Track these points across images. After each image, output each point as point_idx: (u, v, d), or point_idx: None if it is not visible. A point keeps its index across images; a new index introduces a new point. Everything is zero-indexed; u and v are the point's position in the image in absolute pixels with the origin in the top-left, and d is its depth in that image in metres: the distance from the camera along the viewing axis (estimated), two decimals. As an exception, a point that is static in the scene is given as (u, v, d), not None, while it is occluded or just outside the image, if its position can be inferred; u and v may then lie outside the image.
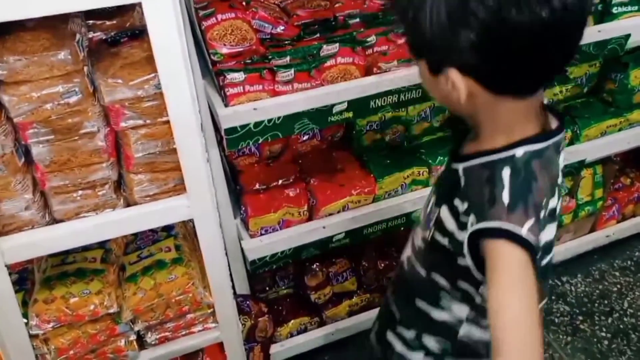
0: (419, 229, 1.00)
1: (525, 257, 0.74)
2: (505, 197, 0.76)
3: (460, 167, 0.86)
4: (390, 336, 1.10)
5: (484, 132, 0.84)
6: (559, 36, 0.72)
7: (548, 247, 0.87)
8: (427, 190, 1.62)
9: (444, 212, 0.88)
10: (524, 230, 0.74)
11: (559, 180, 0.86)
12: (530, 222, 0.75)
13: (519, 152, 0.79)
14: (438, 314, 0.98)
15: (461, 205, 0.83)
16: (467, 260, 0.84)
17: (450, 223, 0.86)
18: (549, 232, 0.85)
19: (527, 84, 0.78)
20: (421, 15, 0.73)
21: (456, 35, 0.71)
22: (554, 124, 0.86)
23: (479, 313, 0.93)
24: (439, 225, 0.89)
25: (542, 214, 0.78)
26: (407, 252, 1.05)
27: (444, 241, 0.89)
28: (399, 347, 1.09)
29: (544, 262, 0.89)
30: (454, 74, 0.76)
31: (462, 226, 0.83)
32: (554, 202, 0.84)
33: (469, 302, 0.93)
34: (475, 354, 0.99)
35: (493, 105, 0.79)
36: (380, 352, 1.16)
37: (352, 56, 1.34)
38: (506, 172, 0.78)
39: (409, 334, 1.06)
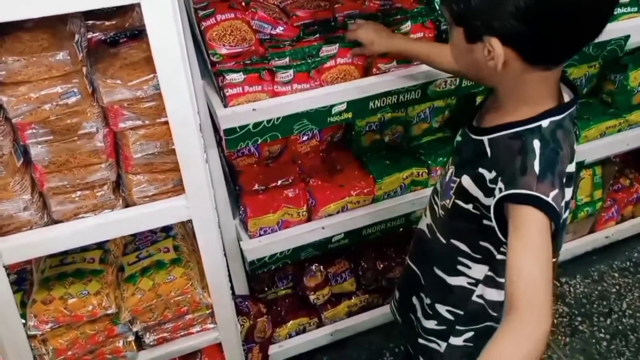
0: (437, 199, 1.07)
1: (547, 222, 0.80)
2: (536, 166, 0.82)
3: (485, 138, 0.91)
4: (415, 300, 1.18)
5: (508, 103, 0.90)
6: (596, 6, 0.79)
7: (565, 206, 0.93)
8: (427, 191, 1.63)
9: (466, 181, 0.94)
10: (550, 198, 0.80)
11: (575, 146, 0.93)
12: (555, 191, 0.81)
13: (545, 122, 0.85)
14: (453, 280, 1.06)
15: (488, 174, 0.89)
16: (492, 222, 0.89)
17: (474, 190, 0.93)
18: (567, 194, 0.91)
19: (563, 53, 0.84)
20: None
21: (504, 3, 0.76)
22: (567, 95, 0.92)
23: (497, 272, 1.01)
24: (462, 193, 0.96)
25: (563, 181, 0.85)
26: (427, 220, 1.11)
27: (468, 206, 0.95)
28: (419, 312, 1.17)
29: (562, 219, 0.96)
30: (495, 42, 0.80)
31: (489, 193, 0.89)
32: (572, 167, 0.91)
33: (489, 261, 1.00)
34: (487, 315, 1.06)
35: (523, 76, 0.85)
36: (404, 318, 1.24)
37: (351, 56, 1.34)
38: (536, 143, 0.84)
39: (427, 300, 1.13)
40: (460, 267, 1.05)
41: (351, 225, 1.59)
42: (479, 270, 1.03)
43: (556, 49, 0.82)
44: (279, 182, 1.57)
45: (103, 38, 1.14)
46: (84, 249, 1.34)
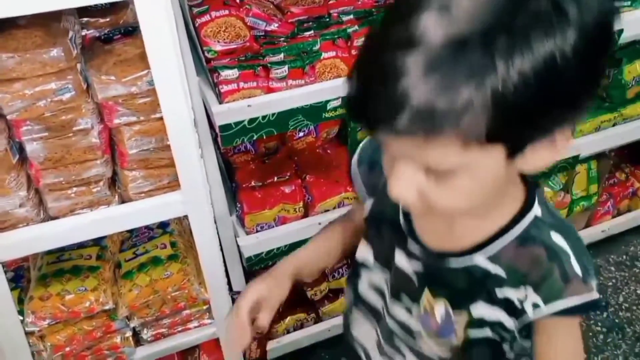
0: (418, 341, 0.81)
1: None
2: (575, 266, 0.68)
3: (480, 258, 0.72)
4: None
5: (486, 208, 0.69)
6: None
7: None
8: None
9: (480, 310, 0.74)
10: (596, 293, 0.69)
11: None
12: (595, 280, 0.69)
13: (536, 208, 0.71)
14: None
15: (515, 293, 0.71)
16: (518, 342, 0.75)
17: (493, 315, 0.73)
18: None
19: None
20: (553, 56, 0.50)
21: (597, 66, 0.55)
22: None
23: None
24: (475, 323, 0.75)
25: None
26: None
27: (485, 332, 0.75)
28: None
29: None
30: (567, 132, 0.58)
31: (516, 313, 0.72)
32: None
33: None
34: None
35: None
36: None
37: (335, 49, 1.34)
38: (557, 237, 0.69)
39: None
40: None
41: (347, 220, 1.60)
42: None
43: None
44: (276, 178, 1.58)
45: (97, 35, 1.14)
46: (81, 246, 1.35)
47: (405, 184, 0.60)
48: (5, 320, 1.21)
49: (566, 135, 0.58)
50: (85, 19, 1.14)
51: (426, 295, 0.77)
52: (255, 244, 1.52)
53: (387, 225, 0.81)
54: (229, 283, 1.53)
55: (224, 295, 1.41)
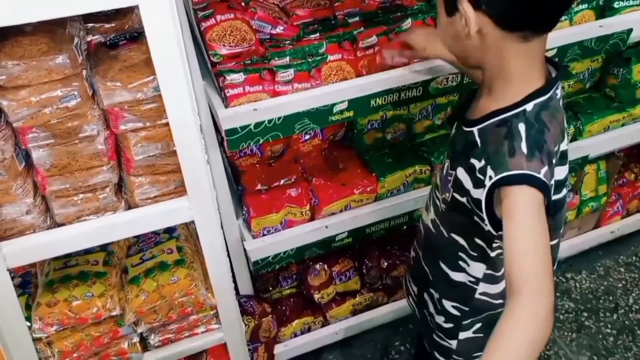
0: (437, 193, 1.08)
1: (540, 197, 0.81)
2: (524, 147, 0.83)
3: (475, 129, 0.92)
4: (426, 296, 1.20)
5: (495, 86, 0.91)
6: None
7: (561, 184, 0.97)
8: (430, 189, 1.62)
9: (461, 173, 0.95)
10: (541, 175, 0.81)
11: (564, 124, 0.94)
12: (545, 168, 0.82)
13: (529, 106, 0.87)
14: (456, 276, 1.07)
15: (478, 163, 0.89)
16: (483, 215, 0.90)
17: (467, 182, 0.93)
18: (560, 172, 0.94)
19: (536, 15, 0.83)
20: None
21: None
22: (552, 73, 0.92)
23: (496, 269, 1.03)
24: (457, 186, 0.96)
25: (554, 160, 0.86)
26: (431, 215, 1.12)
27: (463, 199, 0.96)
28: (431, 307, 1.19)
29: (558, 196, 0.98)
30: (466, 6, 0.82)
31: (478, 183, 0.90)
32: (564, 145, 0.93)
33: (485, 259, 1.01)
34: (493, 306, 1.08)
35: (503, 47, 0.85)
36: (420, 313, 1.25)
37: (341, 52, 1.33)
38: (522, 127, 0.85)
39: (436, 296, 1.15)
40: (461, 263, 1.06)
41: (354, 223, 1.59)
42: (478, 269, 1.04)
43: (527, 9, 0.81)
44: (282, 181, 1.57)
45: (102, 41, 1.13)
46: (88, 251, 1.34)
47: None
48: (13, 327, 1.21)
49: (465, 6, 0.82)
50: (91, 24, 1.13)
51: (446, 153, 1.06)
52: (261, 247, 1.52)
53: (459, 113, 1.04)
54: (235, 287, 1.53)
55: (231, 299, 1.40)
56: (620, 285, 2.10)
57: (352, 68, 1.37)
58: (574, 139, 1.81)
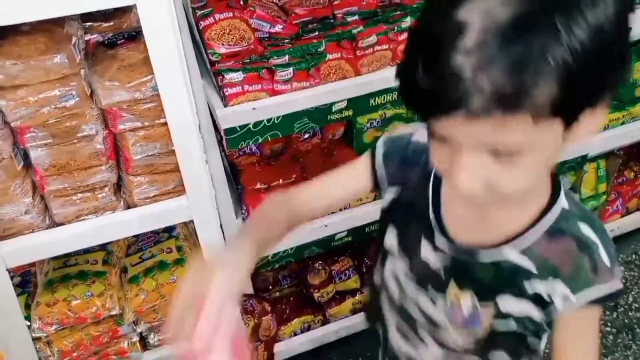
0: (441, 331, 0.82)
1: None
2: (604, 257, 0.70)
3: (511, 251, 0.73)
4: None
5: (526, 195, 0.67)
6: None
7: None
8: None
9: (507, 304, 0.75)
10: (620, 282, 0.70)
11: None
12: (621, 269, 0.74)
13: (563, 202, 0.72)
14: None
15: (543, 286, 0.72)
16: (545, 334, 0.76)
17: (521, 308, 0.75)
18: None
19: None
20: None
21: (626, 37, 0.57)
22: None
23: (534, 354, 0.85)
24: (502, 316, 0.76)
25: None
26: (431, 354, 0.86)
27: (510, 325, 0.76)
28: None
29: None
30: (607, 102, 0.59)
31: (542, 305, 0.73)
32: None
33: (531, 352, 0.84)
34: None
35: None
36: None
37: (340, 51, 1.33)
38: (586, 229, 0.71)
39: None
40: None
41: (354, 222, 1.59)
42: None
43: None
44: (281, 180, 1.57)
45: (101, 40, 1.14)
46: (87, 251, 1.34)
47: (475, 174, 0.60)
48: (12, 326, 1.21)
49: (606, 103, 0.60)
50: (89, 23, 1.14)
51: (452, 288, 0.78)
52: (261, 247, 1.52)
53: (415, 217, 0.82)
54: (235, 286, 1.52)
55: (230, 299, 1.40)
56: (620, 283, 2.10)
57: (351, 67, 1.36)
58: (573, 137, 1.81)
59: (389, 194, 0.89)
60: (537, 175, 0.63)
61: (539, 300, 0.73)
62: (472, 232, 0.75)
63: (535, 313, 0.74)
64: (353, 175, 0.92)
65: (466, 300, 0.78)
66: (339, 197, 0.94)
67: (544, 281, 0.72)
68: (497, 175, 0.59)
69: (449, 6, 0.54)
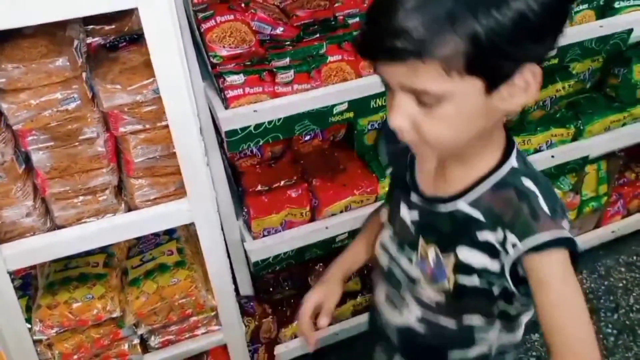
0: (417, 288, 0.91)
1: (568, 258, 0.74)
2: (544, 207, 0.74)
3: (463, 203, 0.81)
4: None
5: (469, 154, 0.79)
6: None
7: None
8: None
9: (466, 253, 0.81)
10: (568, 231, 0.74)
11: None
12: (566, 221, 0.76)
13: (513, 162, 0.79)
14: (476, 351, 0.94)
15: (492, 235, 0.78)
16: (507, 284, 0.80)
17: (477, 259, 0.81)
18: None
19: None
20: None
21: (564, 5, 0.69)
22: None
23: (510, 321, 0.91)
24: (462, 268, 0.83)
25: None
26: (412, 314, 0.94)
27: (473, 280, 0.83)
28: None
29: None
30: (535, 69, 0.68)
31: (496, 255, 0.79)
32: None
33: (505, 317, 0.90)
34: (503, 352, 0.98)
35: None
36: None
37: (341, 53, 1.33)
38: (528, 182, 0.77)
39: None
40: (478, 338, 0.92)
41: (355, 224, 1.58)
42: (496, 329, 0.92)
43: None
44: (282, 182, 1.57)
45: (102, 43, 1.14)
46: (88, 253, 1.34)
47: (401, 113, 0.71)
48: (13, 329, 1.21)
49: (536, 75, 0.69)
50: (91, 26, 1.14)
51: (421, 242, 0.88)
52: (262, 248, 1.52)
53: (398, 184, 0.93)
54: (236, 289, 1.53)
55: (231, 301, 1.40)
56: (620, 285, 2.10)
57: (352, 69, 1.36)
58: (574, 139, 1.81)
59: (390, 177, 1.01)
60: (460, 129, 0.72)
61: (492, 250, 0.79)
62: (435, 187, 0.86)
63: (490, 263, 0.79)
64: None
65: (431, 252, 0.86)
66: None
67: (493, 231, 0.78)
68: (421, 119, 0.71)
69: None
